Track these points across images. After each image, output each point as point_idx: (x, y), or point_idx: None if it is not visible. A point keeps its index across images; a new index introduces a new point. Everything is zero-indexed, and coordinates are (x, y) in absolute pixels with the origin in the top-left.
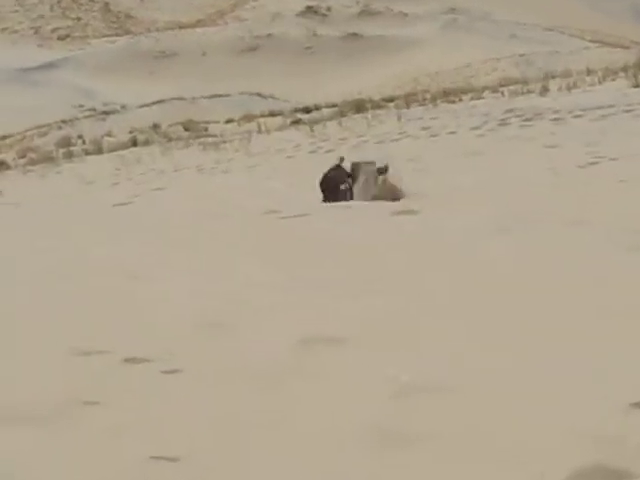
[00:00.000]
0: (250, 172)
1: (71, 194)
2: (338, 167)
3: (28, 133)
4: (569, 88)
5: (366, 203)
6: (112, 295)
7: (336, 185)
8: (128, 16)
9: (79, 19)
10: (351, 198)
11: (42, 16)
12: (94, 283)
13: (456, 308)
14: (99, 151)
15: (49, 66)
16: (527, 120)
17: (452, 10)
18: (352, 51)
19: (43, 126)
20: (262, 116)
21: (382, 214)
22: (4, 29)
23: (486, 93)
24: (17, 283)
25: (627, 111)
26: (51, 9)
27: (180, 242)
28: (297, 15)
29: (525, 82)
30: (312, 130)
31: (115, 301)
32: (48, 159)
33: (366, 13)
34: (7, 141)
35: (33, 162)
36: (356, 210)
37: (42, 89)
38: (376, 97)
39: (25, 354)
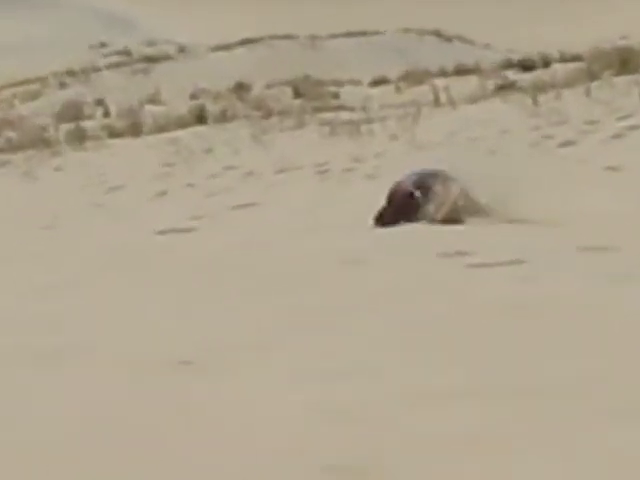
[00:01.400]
0: None
1: (79, 208)
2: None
3: (5, 93)
4: None
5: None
6: (152, 402)
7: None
8: None
9: None
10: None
11: None
12: (116, 380)
13: None
14: (135, 131)
15: None
16: None
17: None
18: None
19: (34, 80)
20: (441, 74)
21: None
22: None
23: None
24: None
25: None
26: None
27: (282, 308)
28: None
29: None
30: (535, 103)
31: (158, 412)
32: (40, 142)
33: None
34: None
35: (13, 147)
36: (621, 259)
37: (37, 13)
38: None
39: None
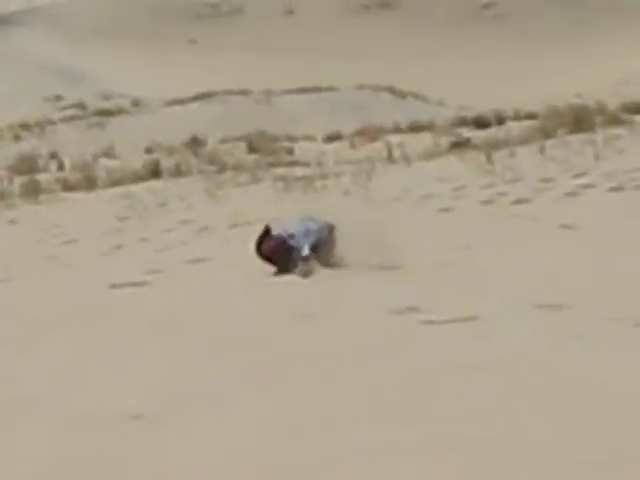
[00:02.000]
0: None
1: (33, 262)
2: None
3: None
4: None
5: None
6: (103, 456)
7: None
8: None
9: None
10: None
11: None
12: (68, 434)
13: None
14: (89, 185)
15: (1, 22)
16: None
17: None
18: (569, 17)
19: None
20: (396, 131)
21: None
22: None
23: None
24: None
25: None
26: None
27: (235, 363)
28: None
29: None
30: (489, 161)
31: (108, 466)
32: None
33: None
34: None
35: None
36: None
37: None
38: (612, 103)
39: None
